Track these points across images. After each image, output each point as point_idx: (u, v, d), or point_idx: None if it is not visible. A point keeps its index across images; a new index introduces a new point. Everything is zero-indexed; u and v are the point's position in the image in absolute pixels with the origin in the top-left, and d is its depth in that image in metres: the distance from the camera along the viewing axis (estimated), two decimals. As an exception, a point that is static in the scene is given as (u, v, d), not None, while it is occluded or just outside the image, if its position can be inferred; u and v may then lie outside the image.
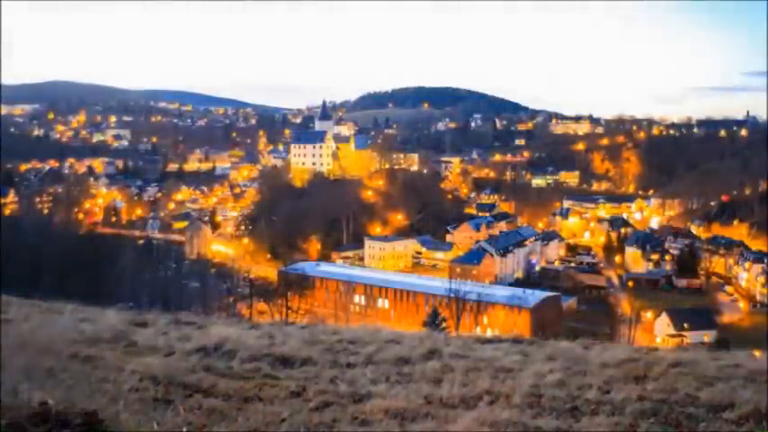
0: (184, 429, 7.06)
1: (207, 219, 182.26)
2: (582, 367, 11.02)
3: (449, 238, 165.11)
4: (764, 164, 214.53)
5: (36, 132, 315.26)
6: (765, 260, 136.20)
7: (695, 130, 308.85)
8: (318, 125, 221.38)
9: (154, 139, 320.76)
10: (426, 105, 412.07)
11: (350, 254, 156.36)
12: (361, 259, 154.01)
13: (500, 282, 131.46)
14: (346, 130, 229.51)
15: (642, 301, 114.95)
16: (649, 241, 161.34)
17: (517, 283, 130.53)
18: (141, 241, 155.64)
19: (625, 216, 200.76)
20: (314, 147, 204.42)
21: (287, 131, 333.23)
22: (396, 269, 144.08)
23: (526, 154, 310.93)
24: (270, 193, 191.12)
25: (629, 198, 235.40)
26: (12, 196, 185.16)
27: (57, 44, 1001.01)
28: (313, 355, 11.75)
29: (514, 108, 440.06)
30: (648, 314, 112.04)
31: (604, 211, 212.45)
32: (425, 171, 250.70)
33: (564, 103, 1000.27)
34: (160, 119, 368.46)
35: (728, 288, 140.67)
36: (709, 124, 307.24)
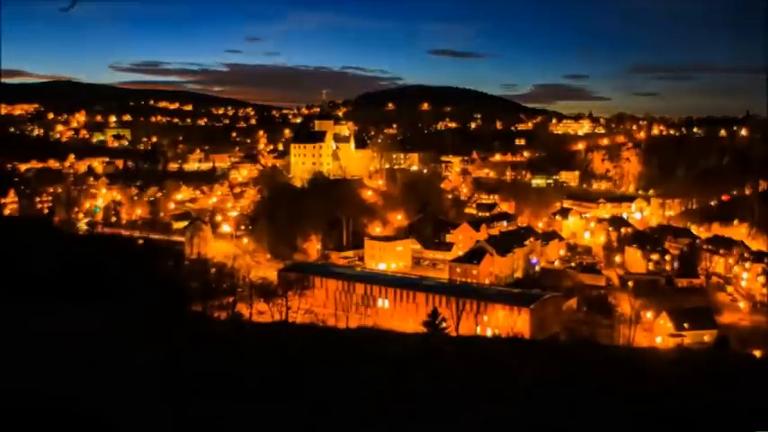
0: (185, 428, 7.12)
1: (207, 219, 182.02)
2: (581, 367, 11.07)
3: (449, 238, 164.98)
4: (764, 164, 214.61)
5: (36, 132, 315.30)
6: (765, 260, 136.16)
7: (695, 129, 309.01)
8: (318, 125, 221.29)
9: (154, 139, 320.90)
10: (426, 105, 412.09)
11: (350, 254, 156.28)
12: (361, 259, 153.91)
13: (500, 282, 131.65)
14: (346, 130, 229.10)
15: (642, 300, 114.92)
16: (649, 241, 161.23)
17: (517, 284, 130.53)
18: (141, 241, 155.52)
19: (625, 216, 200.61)
20: (314, 147, 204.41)
21: (287, 131, 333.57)
22: (396, 269, 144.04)
23: (526, 154, 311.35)
24: (270, 193, 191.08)
25: (629, 198, 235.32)
26: (12, 196, 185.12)
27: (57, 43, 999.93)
28: (313, 354, 11.82)
29: (514, 108, 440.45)
30: (648, 314, 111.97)
31: (604, 211, 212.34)
32: (425, 171, 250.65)
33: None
34: (160, 119, 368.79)
35: (728, 288, 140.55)
36: (710, 124, 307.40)
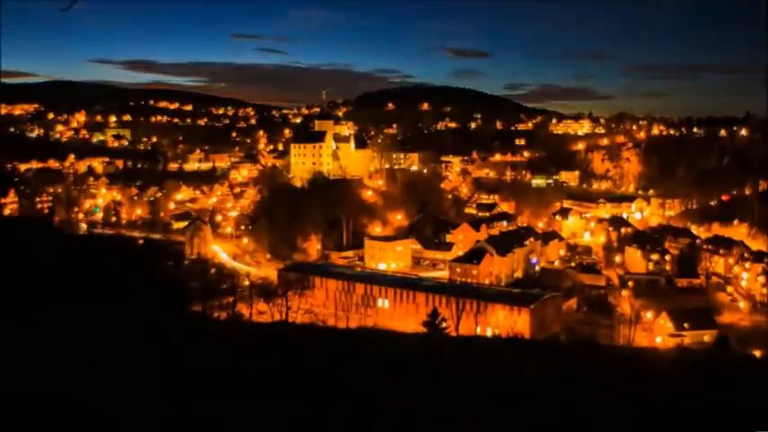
0: (185, 428, 7.12)
1: (207, 218, 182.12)
2: (582, 367, 11.07)
3: (449, 238, 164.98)
4: (764, 164, 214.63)
5: (36, 132, 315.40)
6: (765, 260, 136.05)
7: (695, 129, 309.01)
8: (318, 125, 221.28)
9: (154, 139, 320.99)
10: (426, 105, 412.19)
11: (350, 254, 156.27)
12: (361, 259, 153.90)
13: (500, 282, 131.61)
14: (346, 129, 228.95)
15: (642, 300, 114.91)
16: (649, 241, 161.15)
17: (517, 284, 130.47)
18: (141, 241, 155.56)
19: (625, 216, 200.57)
20: (314, 147, 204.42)
21: (287, 131, 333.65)
22: (396, 269, 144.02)
23: (526, 154, 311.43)
24: (270, 193, 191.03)
25: (629, 198, 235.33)
26: (12, 196, 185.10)
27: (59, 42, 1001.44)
28: (314, 354, 11.82)
29: (514, 108, 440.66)
30: (648, 314, 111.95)
31: (604, 211, 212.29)
32: (425, 171, 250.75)
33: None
34: (160, 119, 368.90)
35: (728, 288, 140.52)
36: (710, 124, 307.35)
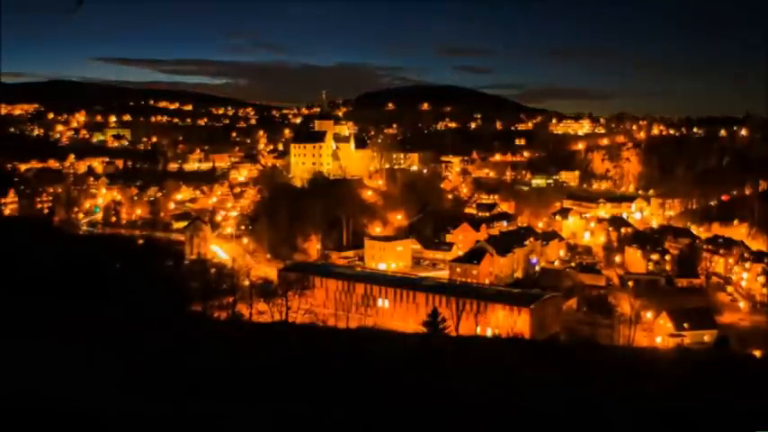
0: (185, 428, 7.14)
1: (207, 218, 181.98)
2: (582, 367, 11.09)
3: (449, 238, 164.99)
4: (764, 164, 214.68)
5: (36, 132, 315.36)
6: (765, 260, 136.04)
7: (695, 129, 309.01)
8: (318, 125, 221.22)
9: (154, 139, 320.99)
10: (426, 105, 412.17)
11: (350, 254, 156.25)
12: (361, 259, 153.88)
13: (500, 282, 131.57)
14: (346, 129, 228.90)
15: (642, 301, 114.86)
16: (649, 241, 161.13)
17: (517, 284, 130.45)
18: (141, 241, 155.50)
19: (625, 216, 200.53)
20: (314, 147, 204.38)
21: (287, 131, 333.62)
22: (396, 269, 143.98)
23: (526, 154, 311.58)
24: (270, 193, 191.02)
25: (629, 198, 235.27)
26: (12, 196, 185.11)
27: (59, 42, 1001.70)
28: (314, 354, 11.85)
29: (515, 108, 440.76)
30: (648, 314, 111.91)
31: (604, 211, 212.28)
32: (425, 171, 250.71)
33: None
34: (160, 119, 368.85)
35: (728, 288, 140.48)
36: (710, 124, 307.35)
